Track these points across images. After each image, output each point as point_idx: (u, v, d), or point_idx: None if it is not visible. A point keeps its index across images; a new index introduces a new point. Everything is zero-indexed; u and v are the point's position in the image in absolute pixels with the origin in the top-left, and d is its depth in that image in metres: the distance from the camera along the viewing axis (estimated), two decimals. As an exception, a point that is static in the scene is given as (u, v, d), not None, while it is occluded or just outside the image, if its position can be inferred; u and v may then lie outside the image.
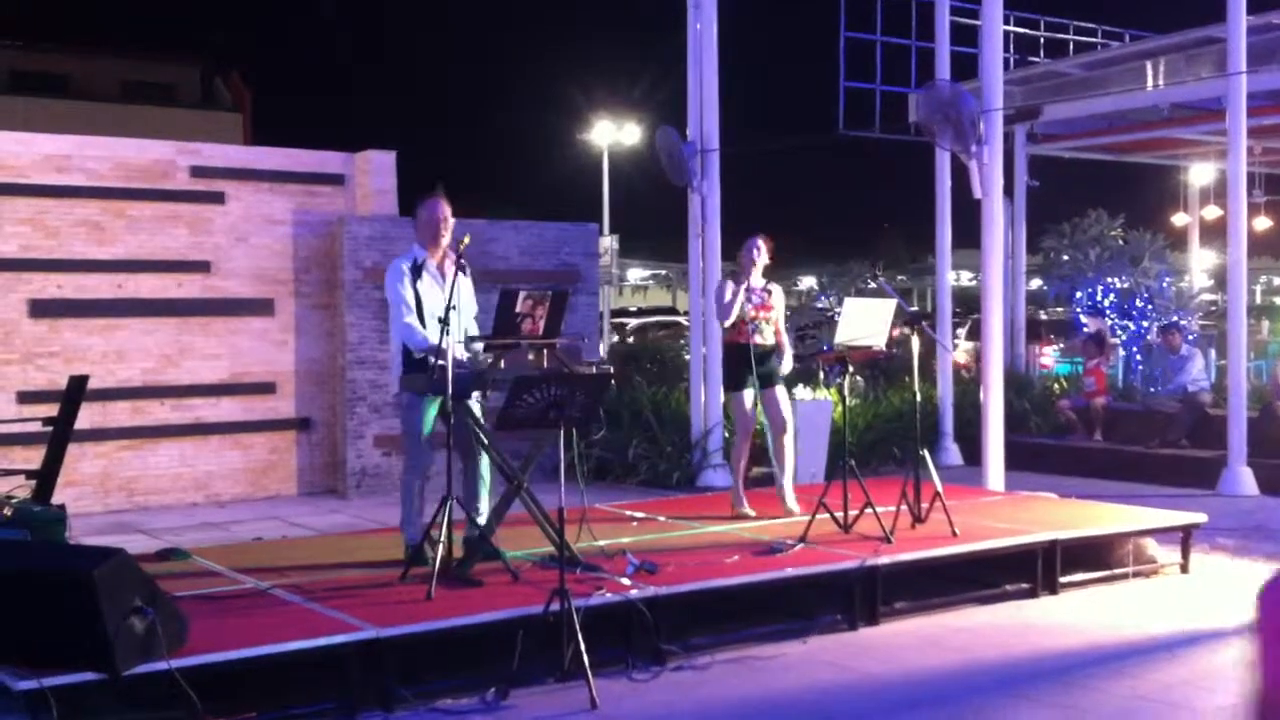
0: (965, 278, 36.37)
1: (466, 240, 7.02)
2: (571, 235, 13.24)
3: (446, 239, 7.20)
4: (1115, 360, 16.06)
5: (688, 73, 12.71)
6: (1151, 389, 14.60)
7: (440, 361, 6.48)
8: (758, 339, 8.68)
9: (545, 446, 7.15)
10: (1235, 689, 5.90)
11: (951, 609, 7.38)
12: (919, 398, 8.49)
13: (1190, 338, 15.02)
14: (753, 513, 8.69)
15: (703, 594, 6.61)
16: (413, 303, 7.02)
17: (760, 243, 8.81)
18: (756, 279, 8.78)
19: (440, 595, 6.21)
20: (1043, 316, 25.49)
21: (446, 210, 7.22)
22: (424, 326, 6.92)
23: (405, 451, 7.30)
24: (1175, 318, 15.46)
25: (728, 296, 8.66)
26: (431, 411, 7.04)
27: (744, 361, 8.64)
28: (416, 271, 7.11)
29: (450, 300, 6.62)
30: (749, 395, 8.71)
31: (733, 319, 8.62)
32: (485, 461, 7.20)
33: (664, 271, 45.92)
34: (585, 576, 6.55)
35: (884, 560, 7.15)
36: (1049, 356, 19.57)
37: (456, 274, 6.84)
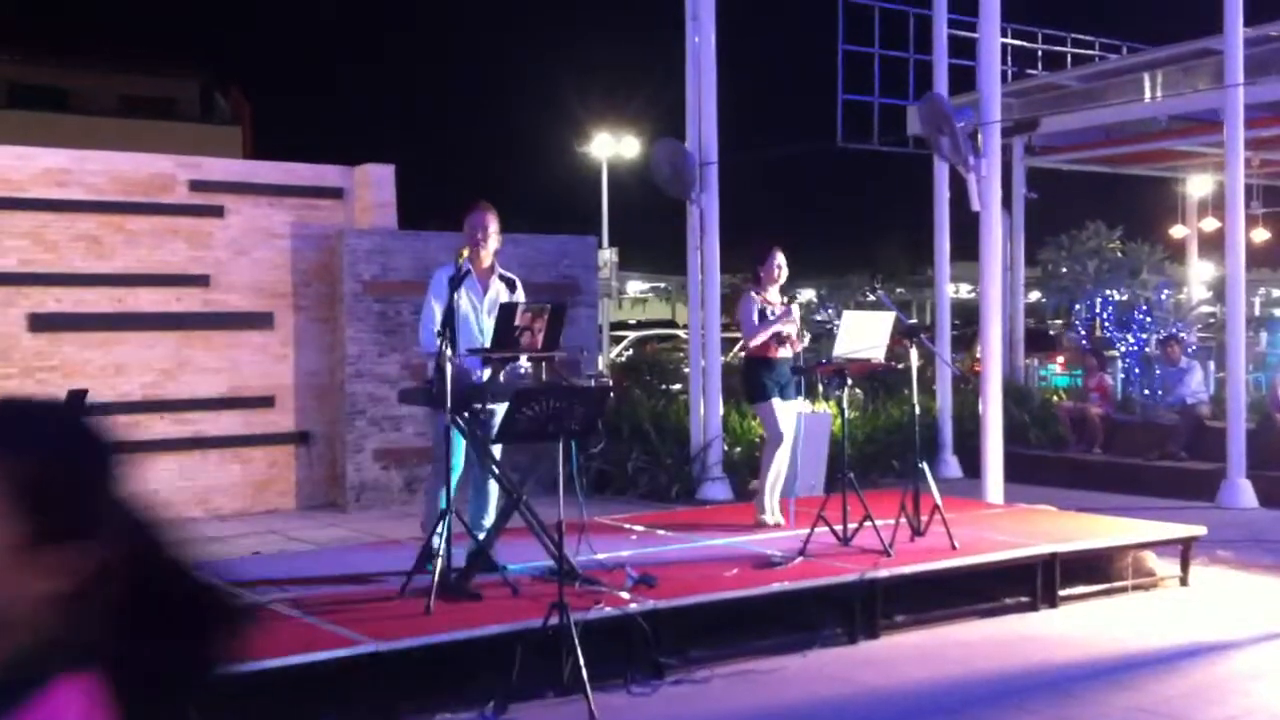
0: (964, 290, 36.37)
1: (465, 254, 7.05)
2: (570, 248, 13.24)
3: (486, 249, 7.17)
4: (1111, 371, 16.05)
5: (686, 85, 12.72)
6: (1150, 401, 14.60)
7: (444, 372, 6.49)
8: (783, 352, 8.69)
9: (545, 459, 7.17)
10: (1236, 701, 5.90)
11: (951, 622, 7.37)
12: (918, 410, 8.49)
13: (1190, 350, 15.02)
14: (771, 521, 8.67)
15: (702, 607, 6.61)
16: (440, 314, 7.00)
17: (782, 256, 8.83)
18: (775, 293, 8.79)
19: (439, 609, 6.20)
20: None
21: (488, 220, 7.20)
22: (456, 335, 6.81)
23: (434, 461, 7.26)
24: (1174, 330, 15.46)
25: (755, 315, 8.66)
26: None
27: (772, 374, 8.64)
28: (456, 283, 7.07)
29: (447, 310, 6.64)
30: (779, 405, 8.69)
31: (760, 341, 8.62)
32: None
33: (663, 284, 45.94)
34: (584, 590, 6.55)
35: (883, 573, 7.15)
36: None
37: (476, 284, 6.89)
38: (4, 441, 1.31)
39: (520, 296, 7.34)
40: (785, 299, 8.90)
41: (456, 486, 7.01)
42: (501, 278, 7.32)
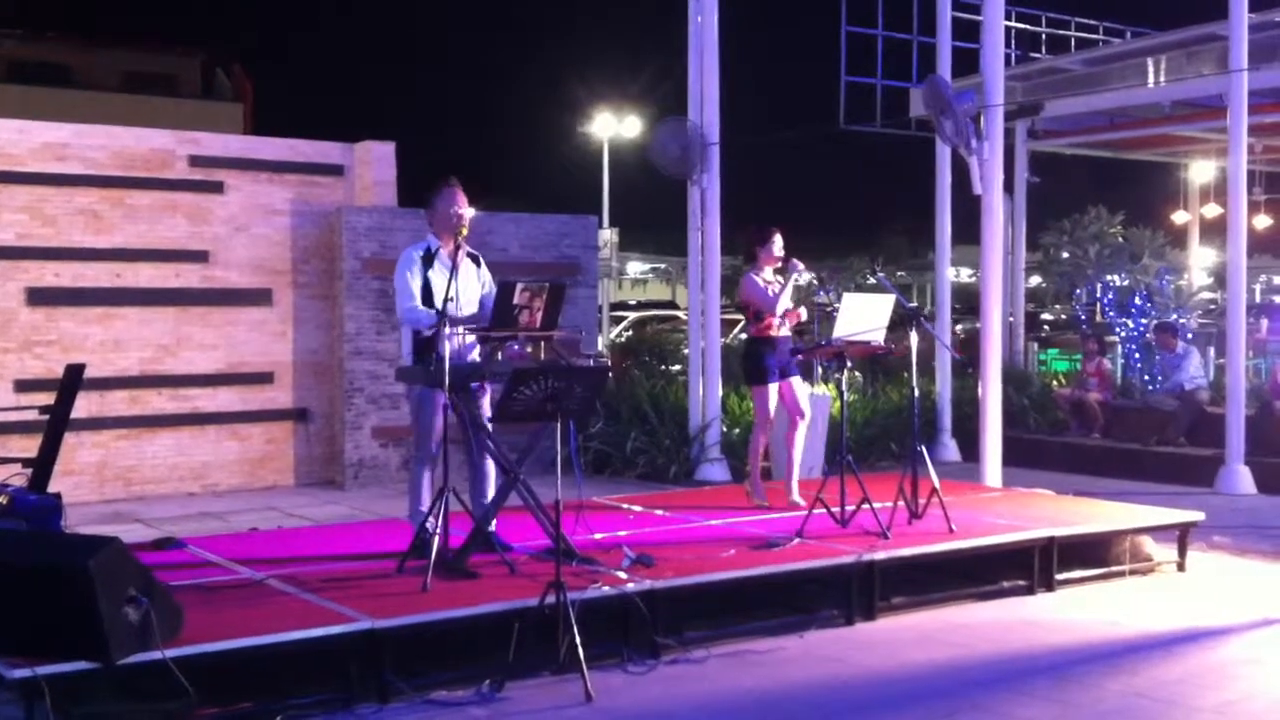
0: (965, 274, 36.33)
1: (463, 232, 7.04)
2: (571, 228, 13.22)
3: (464, 227, 7.17)
4: (1111, 356, 16.01)
5: (688, 66, 12.68)
6: (1150, 387, 14.58)
7: (437, 353, 6.48)
8: (784, 330, 8.69)
9: (543, 439, 7.16)
10: (1232, 686, 5.90)
11: (948, 605, 7.37)
12: (917, 393, 8.48)
13: (1189, 336, 14.99)
14: (767, 503, 8.70)
15: (699, 588, 6.60)
16: (418, 290, 7.02)
17: (781, 238, 8.81)
18: (770, 274, 8.77)
19: (436, 587, 6.20)
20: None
21: (463, 201, 7.20)
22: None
23: (415, 443, 7.28)
24: (1174, 316, 15.43)
25: (766, 285, 8.65)
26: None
27: (775, 353, 8.64)
28: (428, 260, 7.09)
29: (447, 293, 6.62)
30: (774, 389, 8.71)
31: (786, 302, 8.61)
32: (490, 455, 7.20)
33: (664, 265, 45.87)
34: (581, 569, 6.54)
35: (881, 555, 7.14)
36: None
37: (456, 264, 6.86)
38: None
39: (485, 271, 7.34)
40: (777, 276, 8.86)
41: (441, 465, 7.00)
42: (468, 254, 7.29)
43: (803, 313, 8.90)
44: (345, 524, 9.23)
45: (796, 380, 8.84)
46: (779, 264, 8.81)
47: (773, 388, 8.70)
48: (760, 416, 8.84)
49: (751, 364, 8.83)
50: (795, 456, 8.91)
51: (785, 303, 8.68)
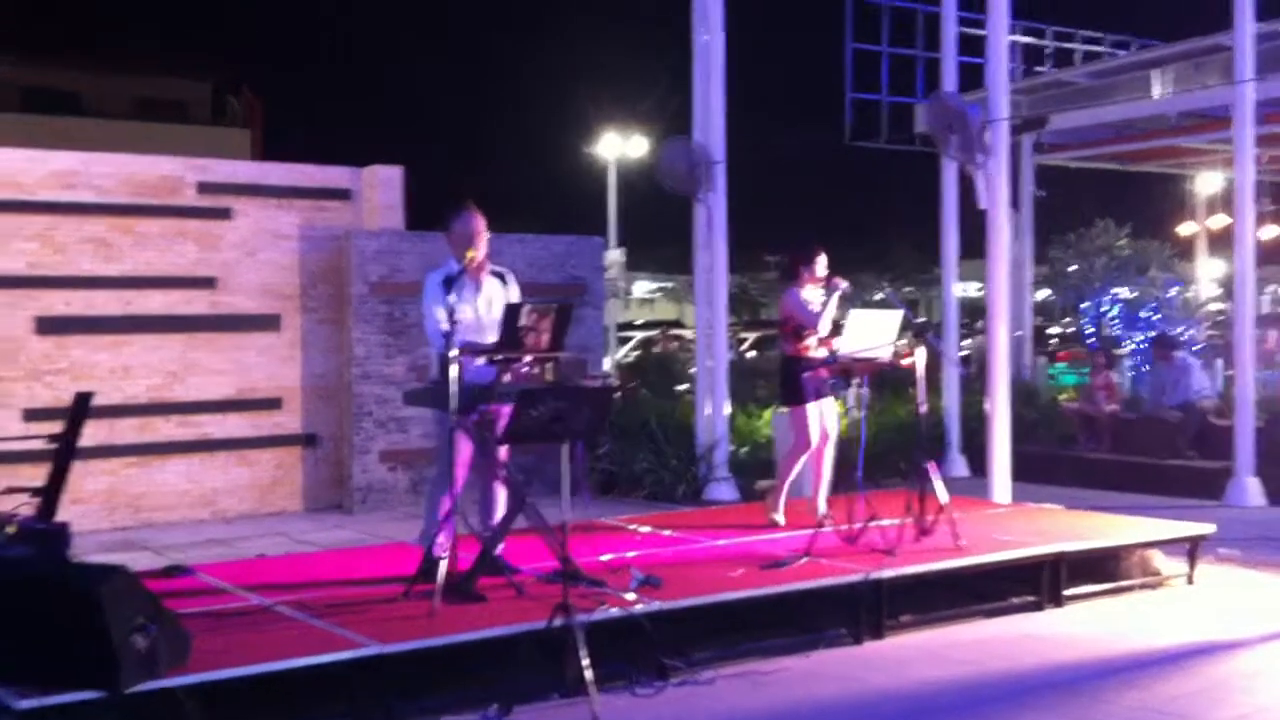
0: (973, 289, 36.29)
1: (470, 254, 7.07)
2: (578, 248, 13.24)
3: (482, 251, 7.20)
4: (1119, 369, 15.99)
5: (694, 84, 12.71)
6: (1154, 400, 14.56)
7: (445, 374, 6.50)
8: (821, 351, 8.63)
9: (551, 460, 7.18)
10: (1243, 700, 5.88)
11: (957, 622, 7.35)
12: (924, 409, 8.47)
13: (1196, 348, 14.95)
14: (783, 521, 8.68)
15: (706, 608, 6.60)
16: (444, 314, 7.03)
17: (825, 258, 8.76)
18: (811, 292, 8.71)
19: (444, 611, 6.21)
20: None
21: (481, 223, 7.24)
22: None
23: (436, 464, 7.29)
24: (1182, 327, 15.40)
25: (806, 302, 8.62)
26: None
27: (810, 374, 8.58)
28: (449, 284, 7.10)
29: (452, 314, 6.64)
30: (814, 409, 8.62)
31: (825, 329, 8.56)
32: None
33: (671, 284, 45.93)
34: (589, 591, 6.54)
35: (889, 573, 7.13)
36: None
37: (479, 283, 6.90)
38: None
39: (514, 288, 7.36)
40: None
41: (461, 489, 7.02)
42: (493, 273, 7.33)
43: (831, 342, 8.84)
44: (353, 549, 9.24)
45: (830, 400, 8.79)
46: (821, 283, 8.76)
47: (812, 408, 8.62)
48: (800, 438, 8.68)
49: (790, 384, 8.69)
50: (825, 473, 8.88)
51: (828, 323, 8.60)
